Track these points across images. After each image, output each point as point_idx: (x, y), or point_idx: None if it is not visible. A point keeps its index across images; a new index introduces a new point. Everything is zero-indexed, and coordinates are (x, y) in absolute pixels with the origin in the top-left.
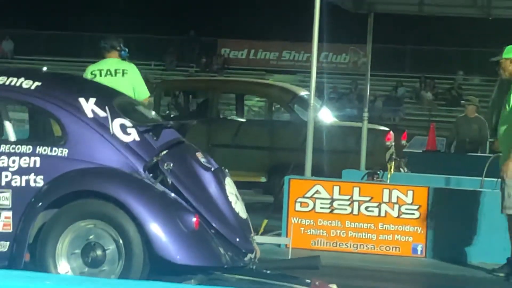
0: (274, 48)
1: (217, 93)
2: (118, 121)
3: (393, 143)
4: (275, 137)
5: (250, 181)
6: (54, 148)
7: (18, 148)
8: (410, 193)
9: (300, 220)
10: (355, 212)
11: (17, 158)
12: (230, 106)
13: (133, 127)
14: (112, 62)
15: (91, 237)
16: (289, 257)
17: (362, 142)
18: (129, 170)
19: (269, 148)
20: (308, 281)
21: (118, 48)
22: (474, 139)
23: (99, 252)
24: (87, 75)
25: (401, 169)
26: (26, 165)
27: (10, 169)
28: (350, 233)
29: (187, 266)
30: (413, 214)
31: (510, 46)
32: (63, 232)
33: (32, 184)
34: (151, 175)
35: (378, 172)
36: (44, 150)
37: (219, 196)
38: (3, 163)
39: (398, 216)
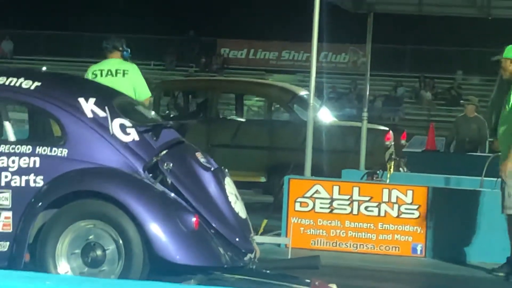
0: (273, 48)
1: (217, 93)
2: (118, 121)
3: (393, 143)
4: (275, 137)
5: (249, 181)
6: (54, 148)
7: (18, 148)
8: (409, 193)
9: (299, 220)
10: (355, 212)
11: (17, 158)
12: (230, 106)
13: (132, 127)
14: (113, 62)
15: (91, 237)
16: (289, 257)
17: (361, 142)
18: (128, 170)
19: (269, 148)
20: (308, 281)
21: (120, 48)
22: (473, 139)
23: (99, 252)
24: (89, 75)
25: (400, 169)
26: (26, 165)
27: (10, 169)
28: (350, 233)
29: (187, 266)
30: (413, 214)
31: (510, 46)
32: (63, 232)
33: (32, 184)
34: (150, 175)
35: (378, 172)
36: (44, 150)
37: (219, 196)
38: (3, 163)
39: (397, 216)
